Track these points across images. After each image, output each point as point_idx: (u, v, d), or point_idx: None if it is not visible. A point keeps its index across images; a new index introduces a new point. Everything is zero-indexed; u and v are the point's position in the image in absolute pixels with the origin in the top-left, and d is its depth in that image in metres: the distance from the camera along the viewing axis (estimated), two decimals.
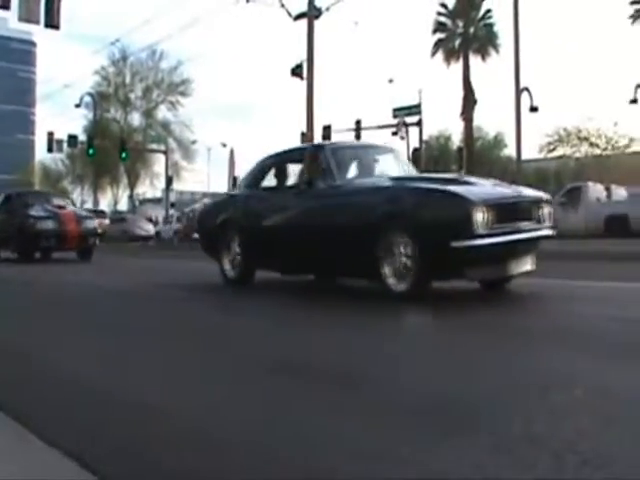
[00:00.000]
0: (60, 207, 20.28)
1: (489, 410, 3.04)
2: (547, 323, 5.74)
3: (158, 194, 65.29)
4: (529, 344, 4.65)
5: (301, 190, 8.74)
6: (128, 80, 61.82)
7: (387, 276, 7.25)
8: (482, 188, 7.48)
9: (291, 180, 9.70)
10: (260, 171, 10.14)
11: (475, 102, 49.91)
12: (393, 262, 7.20)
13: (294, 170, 9.77)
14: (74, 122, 78.07)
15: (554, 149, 51.90)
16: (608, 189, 28.07)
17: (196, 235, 11.45)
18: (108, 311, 7.46)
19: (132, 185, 63.54)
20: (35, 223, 18.16)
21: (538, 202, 7.59)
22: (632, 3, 44.69)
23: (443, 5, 51.84)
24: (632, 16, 44.91)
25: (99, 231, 20.90)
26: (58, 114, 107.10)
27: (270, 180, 9.93)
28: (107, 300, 8.80)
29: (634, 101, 35.59)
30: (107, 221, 46.19)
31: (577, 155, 50.81)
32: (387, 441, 2.61)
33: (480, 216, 6.64)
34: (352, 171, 9.03)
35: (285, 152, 10.22)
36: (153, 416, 3.10)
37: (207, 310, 7.61)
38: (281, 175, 9.80)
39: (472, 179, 8.17)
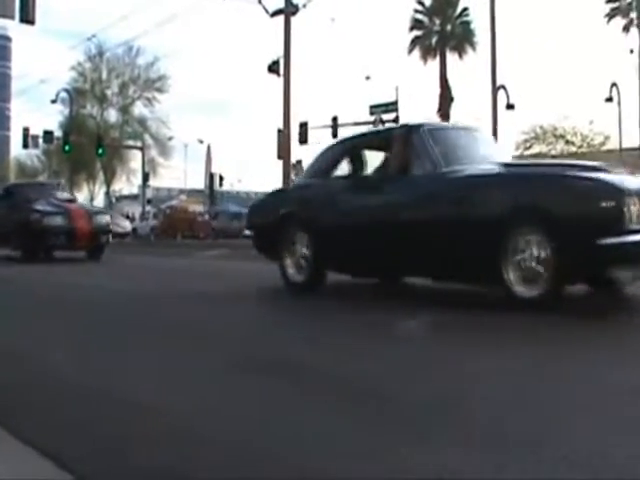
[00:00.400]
0: (69, 201, 18.65)
1: None
2: None
3: (135, 190, 65.06)
4: None
5: (391, 179, 7.56)
6: (104, 76, 61.35)
7: (512, 280, 6.18)
8: (624, 176, 6.45)
9: (372, 168, 8.54)
10: (332, 158, 8.78)
11: (452, 99, 50.09)
12: (521, 264, 6.14)
13: (376, 156, 8.59)
14: (50, 118, 77.88)
15: (530, 147, 52.11)
16: None
17: (247, 232, 9.85)
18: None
19: (108, 181, 63.15)
20: (42, 219, 16.29)
21: None
22: (608, 2, 45.06)
23: (420, 2, 51.98)
24: (607, 15, 45.24)
25: (111, 228, 19.07)
26: (34, 110, 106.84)
27: (343, 168, 8.68)
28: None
29: (609, 99, 35.91)
30: None
31: (553, 153, 51.06)
32: None
33: (634, 208, 5.71)
34: (454, 156, 7.40)
35: (364, 135, 9.28)
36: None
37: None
38: (359, 162, 8.60)
39: (602, 164, 6.85)
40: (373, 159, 8.64)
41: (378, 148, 8.49)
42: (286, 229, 8.48)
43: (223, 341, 5.19)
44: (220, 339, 5.28)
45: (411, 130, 7.54)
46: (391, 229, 7.31)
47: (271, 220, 8.89)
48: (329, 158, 8.80)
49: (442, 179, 6.97)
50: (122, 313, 7.06)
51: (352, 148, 8.68)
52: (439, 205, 6.90)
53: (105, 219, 17.84)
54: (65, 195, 19.82)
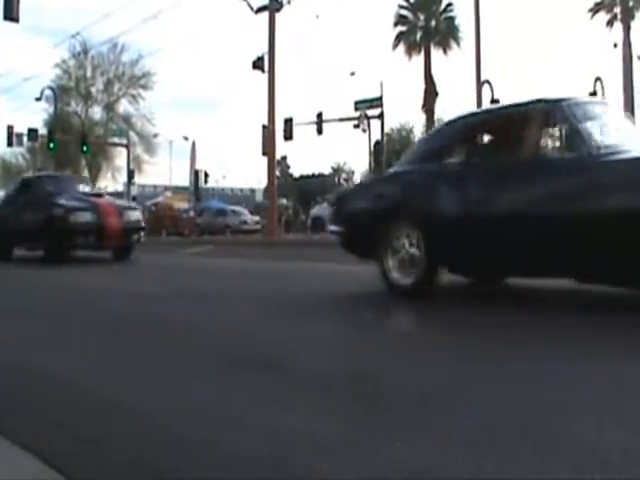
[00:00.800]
0: (95, 195, 16.90)
1: None
2: None
3: (120, 188, 64.76)
4: None
5: (530, 163, 6.37)
6: (89, 73, 61.17)
7: None
8: None
9: (496, 150, 7.46)
10: (445, 140, 7.59)
11: (436, 95, 50.22)
12: None
13: (499, 138, 7.59)
14: (34, 116, 77.43)
15: None
16: None
17: (332, 227, 8.44)
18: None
19: (94, 179, 62.80)
20: (67, 215, 14.55)
21: None
22: None
23: None
24: (591, 10, 45.37)
25: (143, 225, 16.84)
26: (18, 107, 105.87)
27: (459, 151, 7.51)
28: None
29: (593, 94, 35.98)
30: None
31: None
32: None
33: None
34: (607, 135, 6.25)
35: (486, 112, 8.21)
36: None
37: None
38: (479, 145, 7.72)
39: None
40: (494, 140, 7.77)
41: (503, 127, 7.27)
42: (389, 224, 7.21)
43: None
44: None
45: (553, 105, 6.41)
46: (546, 222, 5.98)
47: (368, 213, 7.66)
48: (442, 140, 7.63)
49: (606, 163, 5.78)
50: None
51: (470, 128, 7.54)
52: (606, 193, 5.64)
53: (136, 215, 16.23)
54: (90, 189, 18.18)
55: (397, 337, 5.23)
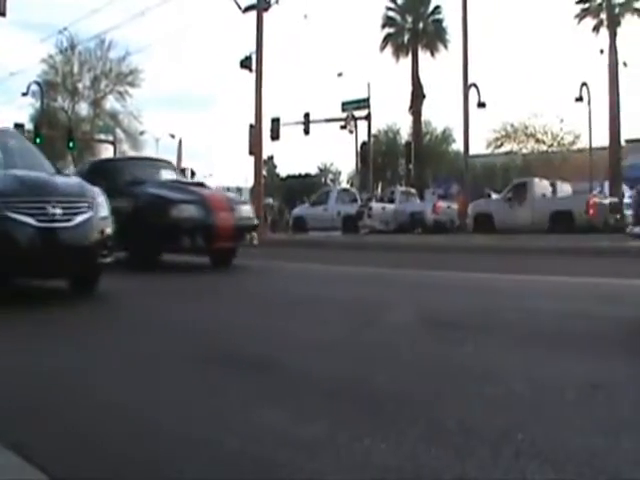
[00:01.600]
0: (199, 185, 13.92)
1: None
2: None
3: None
4: None
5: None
6: (76, 69, 60.87)
7: None
8: None
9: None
10: None
11: (423, 97, 50.34)
12: None
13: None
14: (21, 111, 76.91)
15: (501, 145, 52.57)
16: (553, 185, 28.55)
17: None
18: None
19: None
20: (170, 208, 11.63)
21: None
22: (578, 2, 45.33)
23: (392, 0, 52.12)
24: (578, 15, 45.54)
25: (257, 222, 13.65)
26: (4, 102, 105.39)
27: None
28: None
29: (579, 99, 36.19)
30: None
31: (524, 151, 51.53)
32: None
33: None
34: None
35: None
36: None
37: None
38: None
39: None
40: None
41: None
42: None
43: None
44: None
45: None
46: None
47: None
48: None
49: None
50: None
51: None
52: None
53: (248, 211, 13.14)
54: (177, 176, 14.65)
55: None
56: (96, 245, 7.88)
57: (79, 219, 7.57)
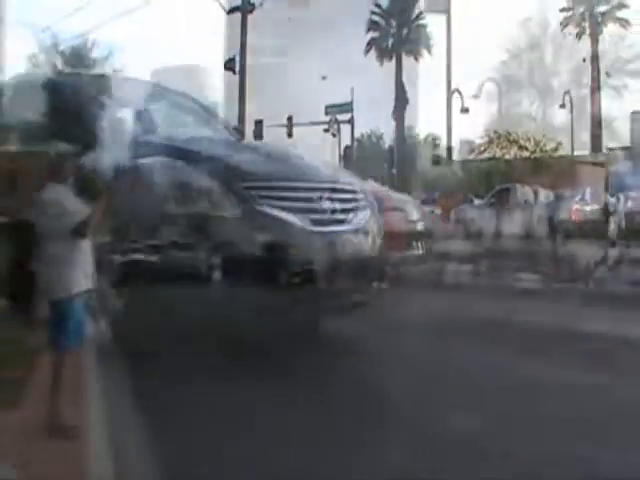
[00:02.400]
0: None
1: None
2: None
3: None
4: None
5: None
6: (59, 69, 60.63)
7: None
8: None
9: None
10: None
11: (407, 102, 50.26)
12: None
13: None
14: None
15: (484, 150, 52.57)
16: (535, 191, 28.56)
17: None
18: None
19: None
20: None
21: None
22: (562, 10, 45.56)
23: (377, 5, 52.03)
24: (561, 23, 45.77)
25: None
26: None
27: None
28: None
29: (562, 106, 36.34)
30: None
31: (507, 157, 51.56)
32: None
33: None
34: None
35: None
36: None
37: None
38: None
39: None
40: None
41: None
42: None
43: None
44: None
45: None
46: None
47: None
48: None
49: None
50: None
51: None
52: None
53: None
54: None
55: None
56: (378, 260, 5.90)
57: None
